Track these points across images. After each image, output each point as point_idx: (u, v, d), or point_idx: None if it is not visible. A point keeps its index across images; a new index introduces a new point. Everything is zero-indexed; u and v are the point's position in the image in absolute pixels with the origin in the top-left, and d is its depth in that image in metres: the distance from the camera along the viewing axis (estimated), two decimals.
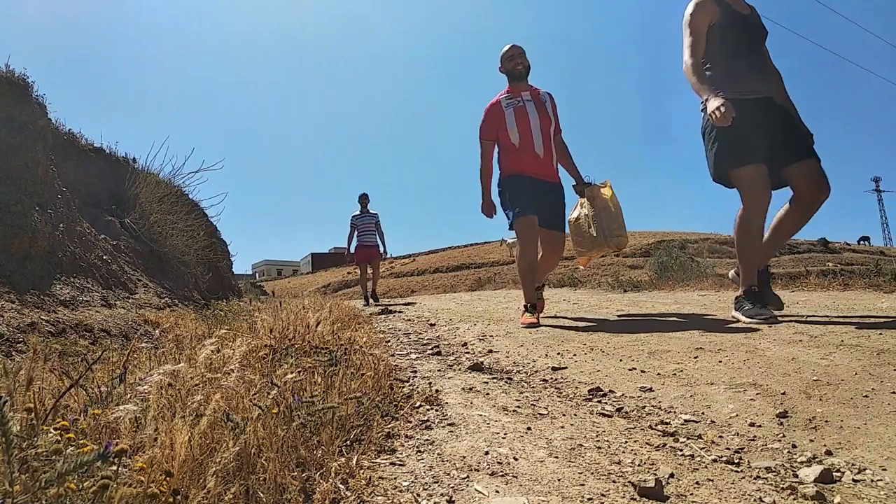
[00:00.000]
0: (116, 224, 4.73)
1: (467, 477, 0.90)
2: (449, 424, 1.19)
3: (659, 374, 1.56)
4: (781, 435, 1.04)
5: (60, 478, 0.61)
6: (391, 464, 0.97)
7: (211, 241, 6.26)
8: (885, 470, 0.86)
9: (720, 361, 1.62)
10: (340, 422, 1.07)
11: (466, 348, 2.25)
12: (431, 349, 2.24)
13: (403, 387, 1.54)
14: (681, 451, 0.99)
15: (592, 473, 0.91)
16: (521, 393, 1.46)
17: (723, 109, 2.08)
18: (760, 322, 2.17)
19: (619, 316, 3.15)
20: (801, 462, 0.91)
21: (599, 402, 1.34)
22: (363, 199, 7.06)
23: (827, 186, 2.26)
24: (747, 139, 2.22)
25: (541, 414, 1.26)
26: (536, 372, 1.71)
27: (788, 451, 0.96)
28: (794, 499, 0.79)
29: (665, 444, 1.03)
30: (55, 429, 0.77)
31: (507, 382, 1.58)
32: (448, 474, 0.91)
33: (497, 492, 0.84)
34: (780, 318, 2.23)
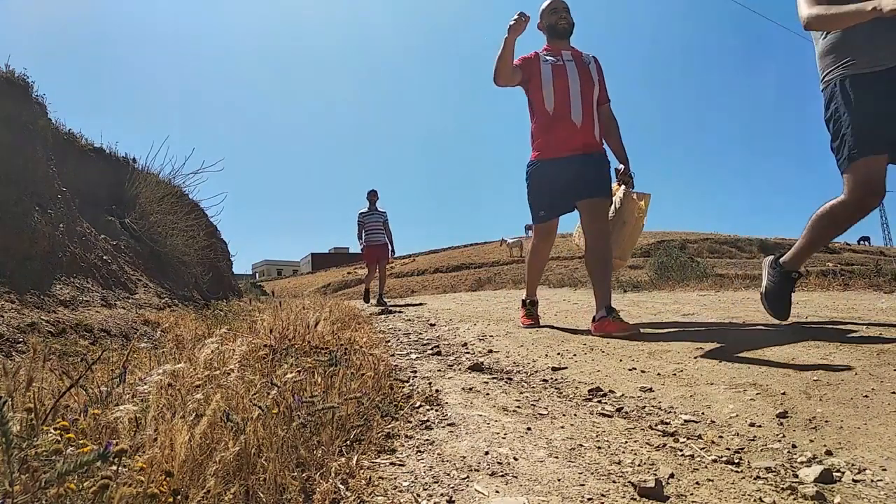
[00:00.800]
0: (116, 224, 4.73)
1: (467, 477, 0.90)
2: (449, 424, 1.19)
3: (659, 374, 1.57)
4: (781, 435, 1.04)
5: (60, 478, 0.61)
6: (391, 464, 0.97)
7: (211, 242, 6.27)
8: (885, 470, 0.86)
9: (720, 361, 1.62)
10: (340, 422, 1.07)
11: (466, 348, 2.25)
12: (431, 349, 2.24)
13: (403, 387, 1.54)
14: (681, 451, 0.99)
15: (592, 473, 0.91)
16: (521, 393, 1.46)
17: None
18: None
19: None
20: (801, 462, 0.91)
21: (599, 402, 1.34)
22: (372, 195, 6.80)
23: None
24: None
25: (541, 414, 1.26)
26: (536, 372, 1.71)
27: (788, 452, 0.96)
28: (794, 499, 0.79)
29: (665, 445, 1.03)
30: (55, 429, 0.77)
31: (507, 382, 1.58)
32: (448, 474, 0.91)
33: (497, 492, 0.84)
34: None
